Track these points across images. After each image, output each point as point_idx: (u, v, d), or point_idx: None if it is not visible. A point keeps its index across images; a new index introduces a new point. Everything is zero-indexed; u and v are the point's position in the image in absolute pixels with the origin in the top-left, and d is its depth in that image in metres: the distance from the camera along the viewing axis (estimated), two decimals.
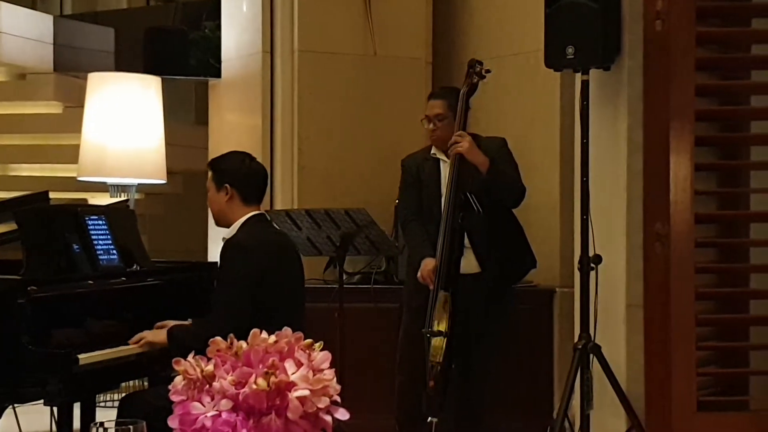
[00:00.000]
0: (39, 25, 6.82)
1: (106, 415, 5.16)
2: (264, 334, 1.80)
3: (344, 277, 4.56)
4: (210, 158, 4.22)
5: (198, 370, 1.74)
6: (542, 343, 5.20)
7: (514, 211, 4.68)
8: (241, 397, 1.70)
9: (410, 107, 5.56)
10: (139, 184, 5.88)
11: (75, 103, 6.34)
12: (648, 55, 3.96)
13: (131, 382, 4.96)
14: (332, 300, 4.44)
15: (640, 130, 3.99)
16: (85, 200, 6.66)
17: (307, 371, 1.74)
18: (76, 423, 3.88)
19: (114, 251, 3.95)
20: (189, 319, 3.82)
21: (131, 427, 1.72)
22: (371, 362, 5.01)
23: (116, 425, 1.73)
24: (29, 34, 6.68)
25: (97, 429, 1.73)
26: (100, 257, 3.85)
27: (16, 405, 3.73)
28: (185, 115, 8.16)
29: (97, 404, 4.56)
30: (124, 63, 7.05)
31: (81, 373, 3.36)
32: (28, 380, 3.31)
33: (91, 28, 7.57)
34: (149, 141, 5.67)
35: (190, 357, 1.77)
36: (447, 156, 4.54)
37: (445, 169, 4.59)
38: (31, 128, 6.87)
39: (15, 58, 6.63)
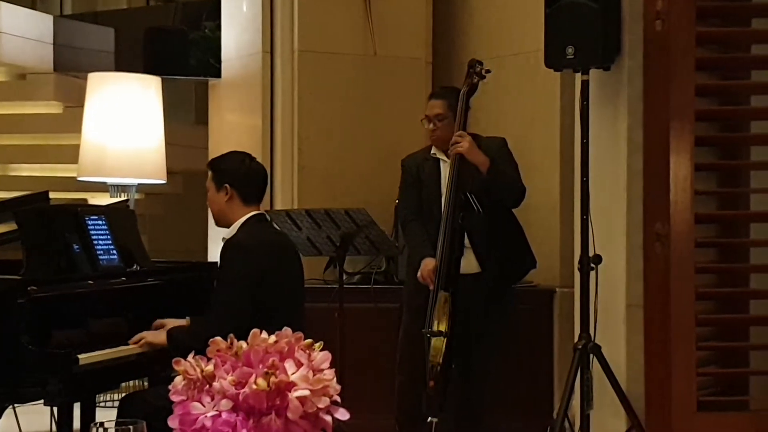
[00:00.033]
0: (39, 25, 6.83)
1: (106, 415, 5.16)
2: (264, 334, 1.80)
3: (344, 277, 4.56)
4: (210, 158, 4.22)
5: (198, 370, 1.74)
6: (542, 343, 5.20)
7: (514, 211, 4.68)
8: (241, 397, 1.70)
9: (410, 107, 5.55)
10: (139, 184, 5.88)
11: (75, 103, 6.34)
12: (648, 55, 3.96)
13: (131, 382, 4.96)
14: (332, 300, 4.44)
15: (640, 130, 3.99)
16: (85, 200, 6.66)
17: (307, 371, 1.74)
18: (76, 423, 3.88)
19: (114, 251, 3.95)
20: (186, 317, 3.83)
21: (131, 427, 1.72)
22: (371, 362, 5.01)
23: (116, 425, 1.73)
24: (29, 34, 6.68)
25: (97, 429, 1.73)
26: (100, 257, 3.85)
27: (16, 405, 3.73)
28: (185, 115, 8.16)
29: (97, 404, 4.56)
30: (124, 63, 7.05)
31: (81, 373, 3.36)
32: (28, 380, 3.31)
33: (91, 28, 7.57)
34: (149, 141, 5.67)
35: (190, 357, 1.77)
36: (447, 156, 4.54)
37: (445, 169, 4.59)
38: (31, 128, 6.87)
39: (15, 58, 6.63)
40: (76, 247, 3.78)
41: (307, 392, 1.71)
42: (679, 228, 3.80)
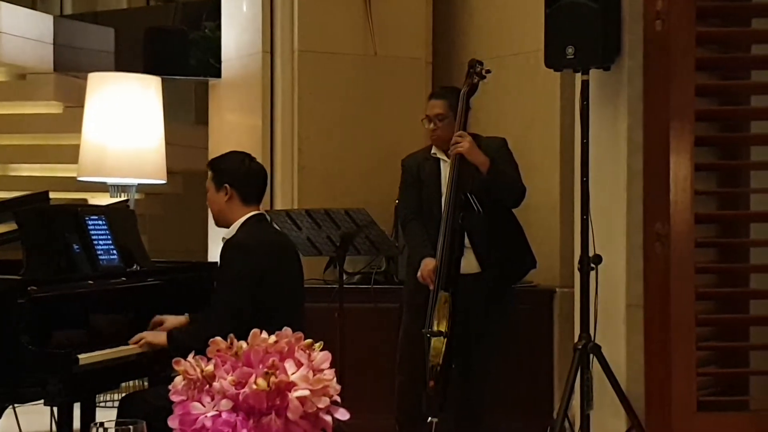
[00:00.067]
0: (39, 25, 6.83)
1: (106, 415, 5.16)
2: (264, 334, 1.80)
3: (344, 277, 4.55)
4: (210, 158, 4.22)
5: (198, 370, 1.74)
6: (542, 343, 5.20)
7: (514, 211, 4.68)
8: (241, 397, 1.70)
9: (410, 107, 5.56)
10: (139, 184, 5.88)
11: (75, 103, 6.34)
12: (648, 55, 3.96)
13: (131, 382, 4.96)
14: (332, 300, 4.44)
15: (640, 130, 3.99)
16: (85, 200, 6.66)
17: (307, 371, 1.74)
18: (76, 423, 3.88)
19: (114, 251, 3.95)
20: (186, 314, 3.83)
21: (131, 427, 1.72)
22: (371, 362, 5.01)
23: (116, 425, 1.73)
24: (29, 34, 6.68)
25: (97, 429, 1.73)
26: (100, 257, 3.85)
27: (16, 405, 3.73)
28: (185, 115, 8.16)
29: (97, 404, 4.56)
30: (124, 63, 7.05)
31: (81, 373, 3.36)
32: (28, 380, 3.31)
33: (91, 28, 7.57)
34: (149, 141, 5.67)
35: (190, 357, 1.77)
36: (447, 156, 4.54)
37: (445, 169, 4.59)
38: (31, 128, 6.87)
39: (15, 58, 6.63)
40: (76, 247, 3.78)
41: (307, 392, 1.71)
42: (679, 228, 3.80)
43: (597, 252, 3.93)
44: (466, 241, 4.47)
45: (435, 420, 4.28)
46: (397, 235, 5.18)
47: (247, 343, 1.78)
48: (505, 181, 4.52)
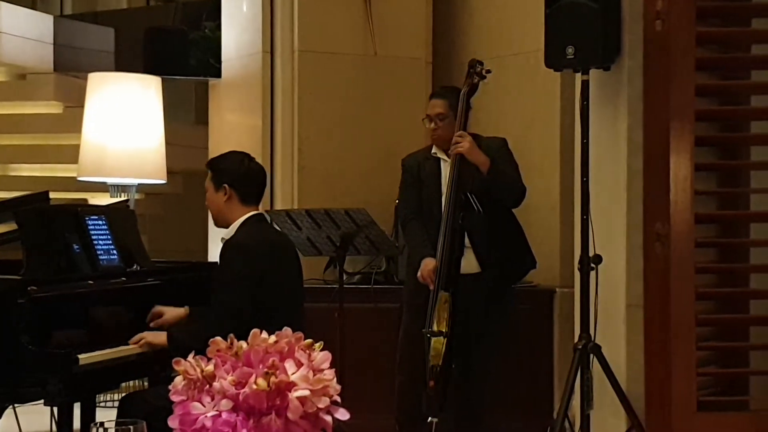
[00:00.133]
0: (39, 25, 6.83)
1: (106, 415, 5.16)
2: (264, 334, 1.80)
3: (344, 277, 4.55)
4: (210, 158, 4.22)
5: (198, 370, 1.74)
6: (542, 343, 5.20)
7: (514, 211, 4.68)
8: (241, 397, 1.70)
9: (410, 107, 5.56)
10: (139, 184, 5.88)
11: (75, 103, 6.35)
12: (648, 55, 3.95)
13: (131, 382, 4.96)
14: (332, 300, 4.44)
15: (640, 130, 3.99)
16: (85, 200, 6.66)
17: (307, 371, 1.74)
18: (76, 423, 3.88)
19: (114, 251, 3.95)
20: (186, 306, 3.83)
21: (131, 427, 1.72)
22: (371, 362, 5.01)
23: (116, 425, 1.73)
24: (29, 34, 6.69)
25: (97, 429, 1.73)
26: (100, 257, 3.85)
27: (16, 405, 3.73)
28: (185, 115, 8.16)
29: (97, 404, 4.56)
30: (124, 63, 7.05)
31: (81, 373, 3.36)
32: (28, 380, 3.31)
33: (91, 28, 7.57)
34: (149, 141, 5.68)
35: (190, 357, 1.77)
36: (448, 155, 4.54)
37: (445, 169, 4.59)
38: (31, 128, 6.88)
39: (15, 58, 6.63)
40: (76, 247, 3.78)
41: (307, 392, 1.71)
42: (679, 228, 3.79)
43: (597, 252, 3.93)
44: (466, 241, 4.47)
45: (435, 420, 4.28)
46: (397, 235, 5.18)
47: (247, 343, 1.78)
48: (505, 181, 4.52)
